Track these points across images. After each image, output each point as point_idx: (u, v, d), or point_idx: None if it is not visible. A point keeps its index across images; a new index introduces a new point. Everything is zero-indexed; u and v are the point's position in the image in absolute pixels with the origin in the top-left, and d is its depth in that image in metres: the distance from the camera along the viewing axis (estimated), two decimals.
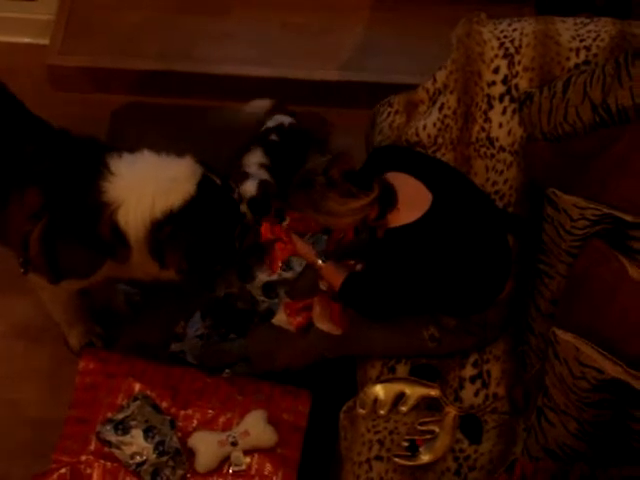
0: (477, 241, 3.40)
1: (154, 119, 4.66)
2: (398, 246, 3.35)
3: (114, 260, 3.48)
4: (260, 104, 4.50)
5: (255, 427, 3.51)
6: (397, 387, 3.53)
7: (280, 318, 3.73)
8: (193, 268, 3.45)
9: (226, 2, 4.86)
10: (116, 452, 3.48)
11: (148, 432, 3.49)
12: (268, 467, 3.50)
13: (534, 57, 3.73)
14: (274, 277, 4.07)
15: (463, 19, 3.84)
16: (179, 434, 3.53)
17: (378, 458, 3.43)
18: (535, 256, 3.47)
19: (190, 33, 4.76)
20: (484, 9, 3.90)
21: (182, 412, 3.58)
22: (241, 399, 3.61)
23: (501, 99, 3.75)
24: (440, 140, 3.80)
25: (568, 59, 3.72)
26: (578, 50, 3.71)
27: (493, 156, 3.74)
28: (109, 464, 3.49)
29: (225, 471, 3.50)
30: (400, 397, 3.53)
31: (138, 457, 3.47)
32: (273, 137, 4.30)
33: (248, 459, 3.51)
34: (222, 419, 3.57)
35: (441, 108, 3.81)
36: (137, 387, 3.60)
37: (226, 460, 3.50)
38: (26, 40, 4.85)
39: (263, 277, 4.11)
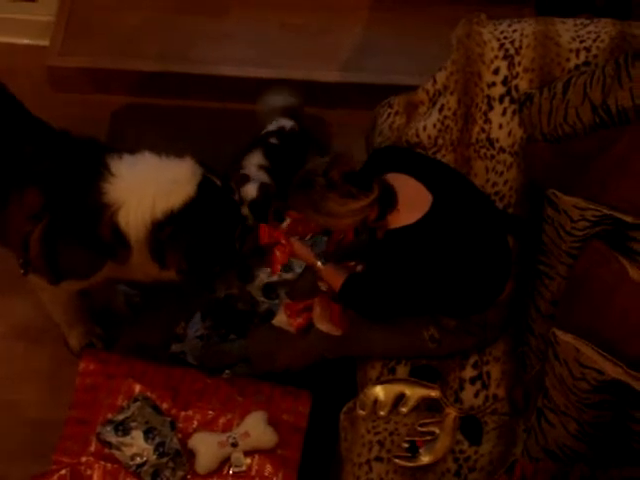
0: (477, 242, 3.40)
1: (154, 120, 4.67)
2: (398, 247, 3.35)
3: (114, 261, 3.48)
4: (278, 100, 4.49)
5: (255, 428, 3.51)
6: (397, 388, 3.53)
7: (280, 319, 3.73)
8: (193, 269, 3.45)
9: (225, 3, 4.86)
10: (116, 453, 3.49)
11: (148, 433, 3.49)
12: (268, 468, 3.50)
13: (534, 58, 3.73)
14: (274, 278, 4.07)
15: (463, 20, 3.84)
16: (179, 435, 3.53)
17: (378, 459, 3.44)
18: (535, 257, 3.47)
19: (189, 34, 4.76)
20: (484, 10, 3.90)
21: (182, 413, 3.58)
22: (241, 400, 3.61)
23: (501, 100, 3.75)
24: (440, 141, 3.80)
25: (568, 60, 3.72)
26: (578, 51, 3.71)
27: (493, 157, 3.74)
28: (109, 465, 3.49)
29: (225, 472, 3.50)
30: (400, 398, 3.53)
31: (138, 458, 3.47)
32: (273, 140, 4.30)
33: (248, 460, 3.51)
34: (222, 420, 3.57)
35: (441, 109, 3.81)
36: (137, 388, 3.60)
37: (226, 461, 3.50)
38: (26, 41, 4.85)
39: (263, 278, 4.11)
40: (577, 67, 3.70)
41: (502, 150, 3.74)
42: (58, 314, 3.98)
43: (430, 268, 3.35)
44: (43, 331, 4.16)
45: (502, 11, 4.19)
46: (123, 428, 3.49)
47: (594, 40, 3.71)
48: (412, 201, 3.35)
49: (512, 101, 3.74)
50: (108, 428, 3.50)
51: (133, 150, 3.48)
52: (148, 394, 3.58)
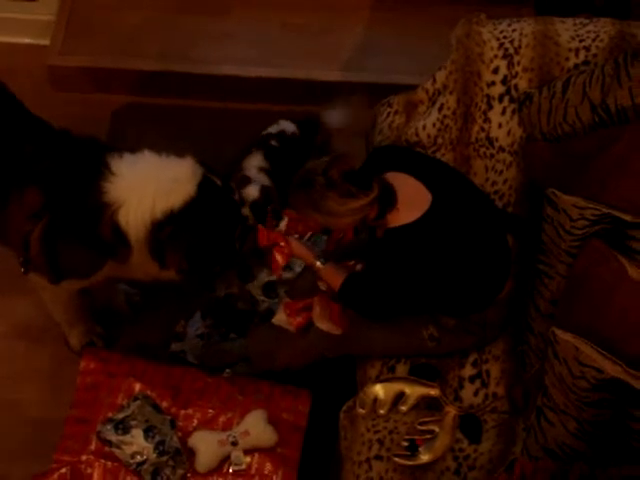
0: (476, 241, 3.40)
1: (154, 119, 4.67)
2: (398, 246, 3.36)
3: (115, 260, 3.49)
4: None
5: (255, 427, 3.51)
6: (397, 387, 3.54)
7: (280, 318, 3.73)
8: (193, 268, 3.45)
9: (226, 2, 4.86)
10: (116, 452, 3.49)
11: (148, 432, 3.49)
12: (268, 467, 3.51)
13: (533, 57, 3.73)
14: (274, 277, 4.07)
15: (463, 19, 3.84)
16: (179, 434, 3.53)
17: (378, 458, 3.44)
18: (535, 256, 3.47)
19: (190, 33, 4.77)
20: (484, 10, 3.90)
21: (182, 412, 3.58)
22: (241, 399, 3.61)
23: (500, 99, 3.76)
24: (440, 140, 3.81)
25: (567, 59, 3.72)
26: (577, 50, 3.72)
27: (492, 156, 3.75)
28: (109, 464, 3.49)
29: (225, 471, 3.50)
30: (400, 397, 3.53)
31: (138, 457, 3.47)
32: (273, 142, 4.30)
33: (248, 459, 3.51)
34: (222, 419, 3.57)
35: (441, 108, 3.81)
36: (137, 387, 3.60)
37: (226, 460, 3.50)
38: (26, 40, 4.86)
39: (263, 277, 4.12)
40: (576, 66, 3.70)
41: (501, 149, 3.74)
42: (59, 313, 3.98)
43: (430, 267, 3.35)
44: (44, 330, 4.16)
45: (501, 11, 4.19)
46: (123, 427, 3.50)
47: (593, 39, 3.71)
48: (412, 200, 3.35)
49: (511, 100, 3.74)
50: (108, 427, 3.50)
51: (134, 149, 3.48)
52: (148, 393, 3.59)
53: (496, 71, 3.76)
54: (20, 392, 4.08)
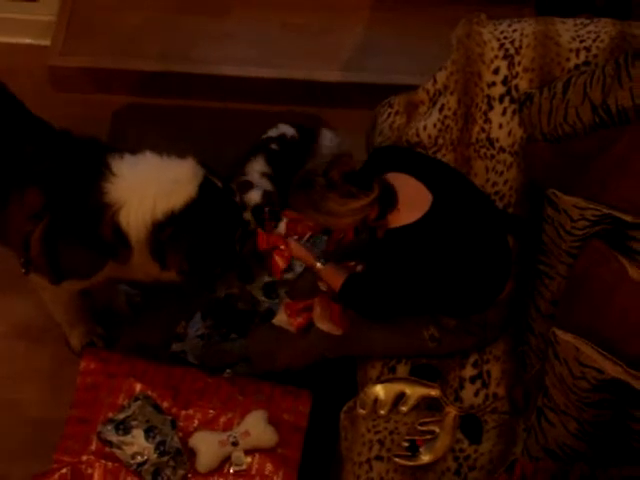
0: (477, 242, 3.40)
1: (155, 120, 4.67)
2: (398, 247, 3.36)
3: (115, 261, 3.49)
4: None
5: (256, 427, 3.51)
6: (397, 387, 3.54)
7: (280, 318, 3.73)
8: (194, 269, 3.45)
9: (226, 2, 4.86)
10: (117, 452, 3.49)
11: (149, 432, 3.49)
12: (269, 467, 3.51)
13: (534, 58, 3.73)
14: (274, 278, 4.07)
15: (463, 20, 3.84)
16: (180, 434, 3.53)
17: (378, 458, 3.44)
18: (535, 257, 3.47)
19: (191, 33, 4.77)
20: (484, 10, 3.90)
21: (183, 412, 3.58)
22: (242, 399, 3.61)
23: (501, 100, 3.76)
24: (440, 141, 3.80)
25: (568, 60, 3.72)
26: (578, 51, 3.72)
27: (493, 157, 3.75)
28: (110, 464, 3.49)
29: (226, 471, 3.50)
30: (400, 397, 3.53)
31: (139, 457, 3.47)
32: (274, 146, 4.29)
33: (249, 459, 3.51)
34: (223, 419, 3.57)
35: (441, 109, 3.81)
36: (138, 387, 3.60)
37: (227, 460, 3.50)
38: (27, 41, 4.86)
39: (263, 278, 4.12)
40: (577, 67, 3.70)
41: (502, 150, 3.74)
42: (59, 313, 3.98)
43: (430, 267, 3.35)
44: (44, 330, 4.16)
45: (502, 11, 4.19)
46: (124, 427, 3.50)
47: (594, 40, 3.71)
48: (412, 200, 3.35)
49: (512, 101, 3.74)
50: (109, 427, 3.50)
51: (134, 150, 3.49)
52: (149, 393, 3.59)
53: (497, 71, 3.76)
54: (20, 392, 4.09)
